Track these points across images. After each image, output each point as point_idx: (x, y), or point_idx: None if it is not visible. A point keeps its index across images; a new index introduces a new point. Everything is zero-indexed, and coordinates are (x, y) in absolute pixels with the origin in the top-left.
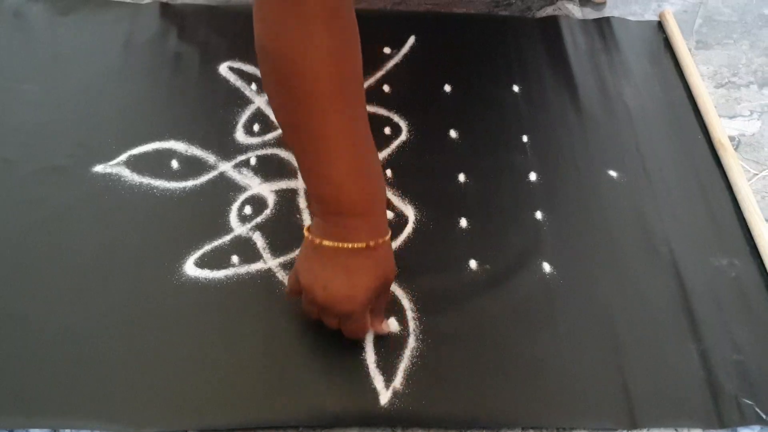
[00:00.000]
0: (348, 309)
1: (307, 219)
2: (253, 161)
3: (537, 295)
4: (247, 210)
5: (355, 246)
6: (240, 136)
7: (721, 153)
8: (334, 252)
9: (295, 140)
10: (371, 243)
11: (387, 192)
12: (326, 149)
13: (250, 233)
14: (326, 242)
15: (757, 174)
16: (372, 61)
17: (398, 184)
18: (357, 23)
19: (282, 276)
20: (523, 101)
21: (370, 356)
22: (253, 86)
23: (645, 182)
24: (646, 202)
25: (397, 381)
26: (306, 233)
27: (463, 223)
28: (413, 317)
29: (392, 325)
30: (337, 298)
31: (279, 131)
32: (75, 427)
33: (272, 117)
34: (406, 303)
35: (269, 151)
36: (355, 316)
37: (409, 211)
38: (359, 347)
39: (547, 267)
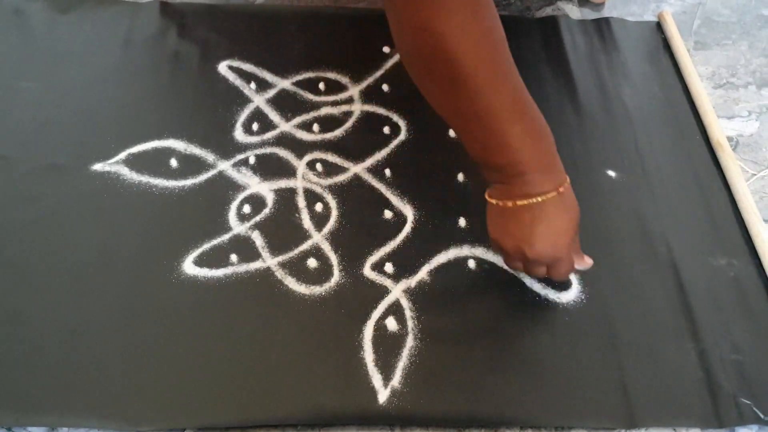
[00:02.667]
0: (555, 255)
1: (305, 218)
2: (252, 160)
3: (536, 294)
4: (246, 209)
5: (547, 197)
6: (239, 135)
7: (719, 153)
8: (527, 208)
9: (457, 121)
10: (560, 189)
11: (386, 191)
12: (497, 124)
13: (249, 232)
14: (519, 202)
15: (755, 174)
16: (372, 60)
17: (397, 184)
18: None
19: (281, 275)
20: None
21: (368, 355)
22: (252, 85)
23: (643, 182)
24: (645, 202)
25: (396, 380)
26: (490, 200)
27: (462, 222)
28: (412, 316)
29: (587, 260)
30: (545, 250)
31: (278, 130)
32: (73, 425)
33: (271, 116)
34: (404, 302)
35: (268, 150)
36: (564, 259)
37: (408, 211)
38: (358, 345)
39: None
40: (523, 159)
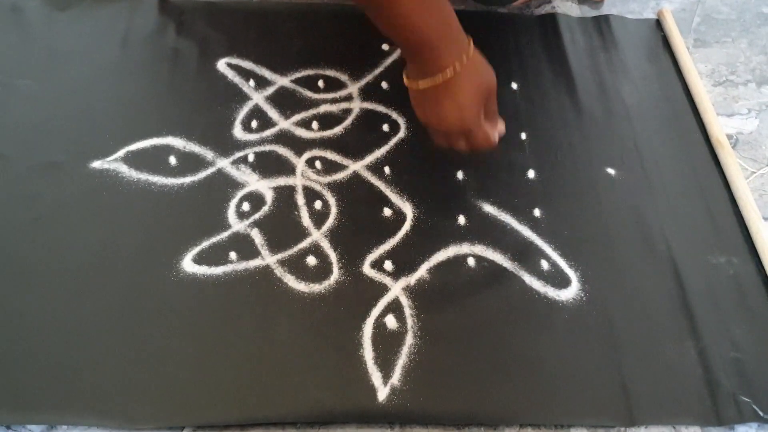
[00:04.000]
0: (463, 126)
1: (305, 216)
2: (251, 158)
3: (535, 292)
4: (245, 206)
5: (446, 74)
6: (238, 132)
7: (718, 151)
8: (433, 89)
9: (369, 4)
10: (457, 66)
11: (385, 189)
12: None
13: (248, 230)
14: (422, 83)
15: (754, 172)
16: (370, 57)
17: (397, 181)
18: None
19: (280, 272)
20: (521, 99)
21: (368, 353)
22: (251, 82)
23: (643, 180)
24: (644, 199)
25: (395, 378)
26: (406, 81)
27: (462, 220)
28: (411, 314)
29: (501, 127)
30: (451, 122)
31: (277, 128)
32: (72, 423)
33: (270, 113)
34: (404, 300)
35: (267, 147)
36: (473, 130)
37: (408, 209)
38: (357, 343)
39: (545, 264)
40: (419, 32)
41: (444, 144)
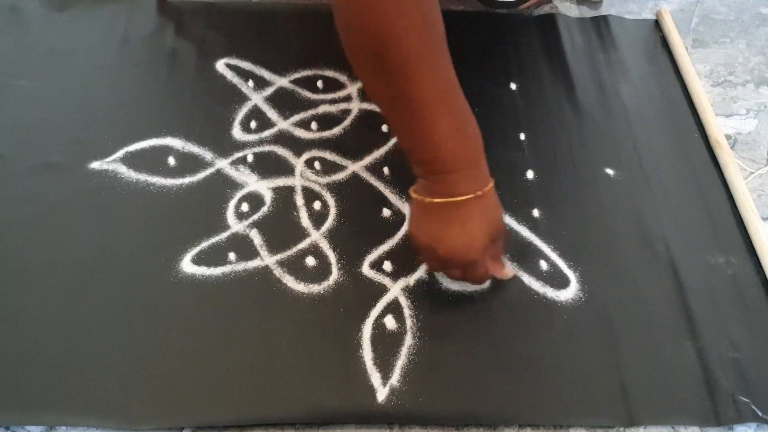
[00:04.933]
0: (467, 258)
1: (304, 216)
2: (250, 158)
3: (534, 292)
4: (244, 207)
5: (463, 198)
6: (237, 133)
7: (717, 151)
8: (444, 207)
9: (391, 110)
10: (478, 193)
11: (385, 189)
12: (424, 113)
13: (247, 230)
14: (436, 199)
15: (753, 172)
16: None
17: (395, 182)
18: None
19: (279, 273)
20: (520, 99)
21: (367, 353)
22: (250, 83)
23: (642, 180)
24: (643, 200)
25: (395, 378)
26: (413, 194)
27: None
28: (410, 315)
29: (509, 269)
30: (456, 249)
31: (276, 128)
32: (71, 424)
33: (269, 114)
34: (403, 300)
35: (266, 148)
36: (477, 263)
37: (407, 209)
38: (356, 344)
39: (543, 264)
40: (446, 156)
41: (435, 269)
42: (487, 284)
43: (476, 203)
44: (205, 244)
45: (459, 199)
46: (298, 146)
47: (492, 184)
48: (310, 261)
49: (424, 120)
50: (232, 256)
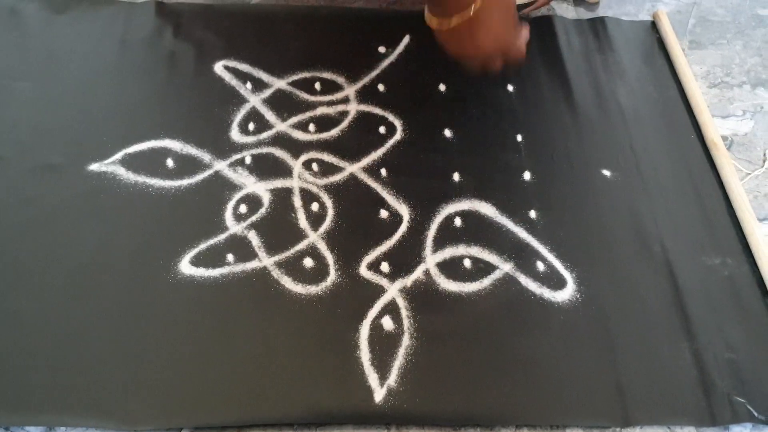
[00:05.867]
0: (503, 47)
1: (301, 218)
2: (248, 160)
3: (531, 293)
4: (242, 209)
5: (476, 4)
6: (235, 135)
7: (713, 152)
8: (466, 22)
9: None
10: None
11: (382, 191)
12: None
13: (245, 232)
14: (454, 20)
15: (749, 173)
16: (367, 60)
17: (393, 183)
18: None
19: (277, 274)
20: (517, 100)
21: (364, 354)
22: (248, 85)
23: (638, 181)
24: (640, 201)
25: (392, 379)
26: (433, 23)
27: (458, 221)
28: (408, 315)
29: (525, 32)
30: (489, 46)
31: (274, 130)
32: (70, 424)
33: (267, 116)
34: (400, 301)
35: (264, 150)
36: (510, 48)
37: (404, 210)
38: (354, 344)
39: (540, 265)
40: None
41: (478, 69)
42: (486, 282)
43: (488, 4)
44: (203, 246)
45: (474, 10)
46: (296, 148)
47: None
48: (308, 262)
49: None
50: (230, 257)
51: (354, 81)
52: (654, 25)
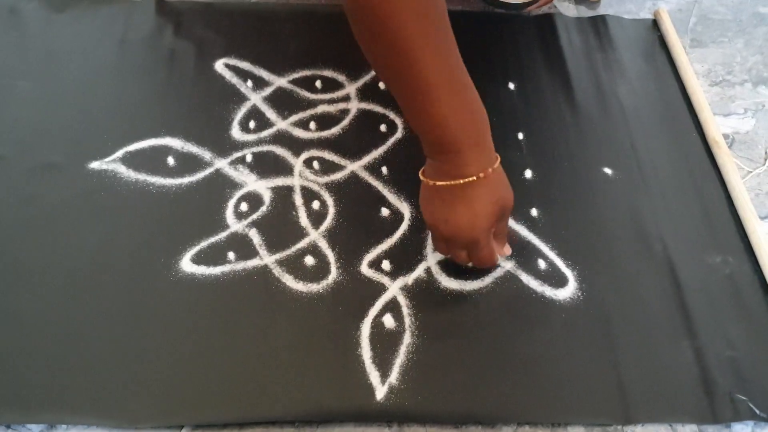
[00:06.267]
0: (472, 236)
1: (303, 216)
2: (249, 158)
3: (532, 291)
4: (243, 207)
5: (468, 180)
6: (236, 133)
7: (715, 151)
8: (450, 189)
9: (396, 88)
10: (481, 174)
11: (383, 189)
12: (427, 91)
13: (246, 230)
14: (440, 182)
15: (751, 172)
16: None
17: (394, 182)
18: None
19: (278, 272)
20: (518, 99)
21: (366, 352)
22: (249, 83)
23: (639, 180)
24: (641, 199)
25: (393, 376)
26: (421, 177)
27: None
28: (409, 313)
29: (506, 250)
30: (460, 228)
31: (274, 128)
32: (71, 422)
33: (267, 114)
34: (402, 299)
35: (265, 148)
36: (481, 243)
37: (405, 208)
38: (355, 342)
39: (542, 263)
40: (450, 136)
41: (442, 251)
42: (488, 280)
43: (482, 183)
44: (204, 244)
45: (462, 181)
46: (296, 146)
47: (498, 162)
48: (309, 260)
49: (429, 99)
50: (231, 255)
51: (355, 79)
52: (655, 24)
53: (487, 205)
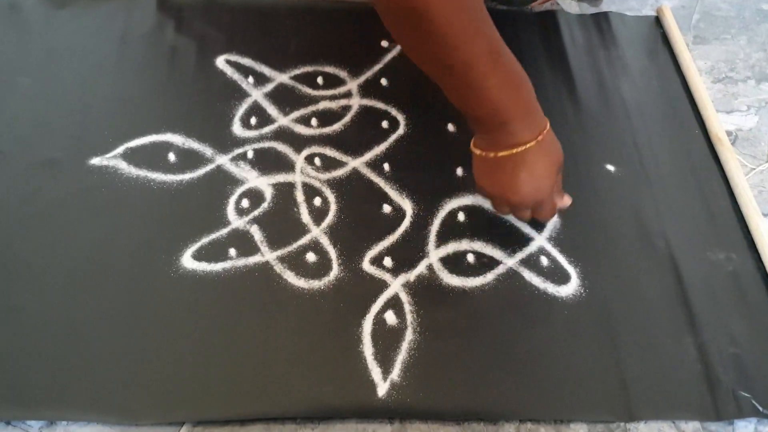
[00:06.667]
0: (539, 199)
1: (304, 212)
2: (250, 154)
3: (535, 288)
4: (245, 203)
5: (527, 146)
6: (237, 129)
7: (718, 148)
8: (510, 158)
9: (441, 76)
10: (539, 138)
11: (385, 185)
12: (474, 75)
13: (248, 226)
14: (501, 153)
15: (754, 168)
16: (370, 54)
17: (396, 178)
18: None
19: (280, 269)
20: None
21: (367, 348)
22: (250, 79)
23: (642, 177)
24: (644, 196)
25: (395, 373)
26: (476, 151)
27: (461, 216)
28: (411, 310)
29: (566, 200)
30: (528, 195)
31: (276, 124)
32: (71, 419)
33: (269, 110)
34: (403, 296)
35: (266, 144)
36: (546, 202)
37: (407, 205)
38: (357, 339)
39: (544, 260)
40: (500, 109)
41: (504, 212)
42: (490, 277)
43: (537, 148)
44: (205, 240)
45: (522, 148)
46: (298, 142)
47: (548, 125)
48: (311, 257)
49: (475, 82)
50: (232, 251)
51: (356, 75)
52: (658, 21)
53: (547, 166)
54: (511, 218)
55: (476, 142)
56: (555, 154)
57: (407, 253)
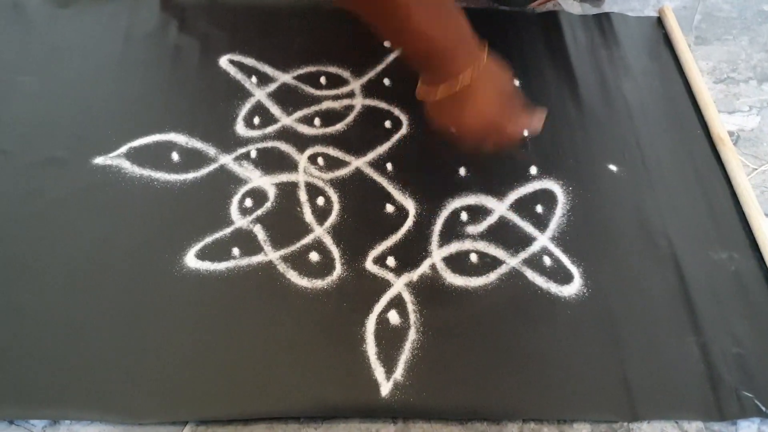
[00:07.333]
0: (489, 126)
1: (307, 212)
2: (253, 154)
3: (537, 288)
4: (248, 203)
5: (464, 81)
6: (240, 128)
7: (720, 148)
8: (451, 96)
9: (375, 18)
10: (471, 70)
11: (388, 185)
12: (398, 10)
13: (251, 226)
14: (439, 92)
15: (756, 169)
16: (372, 54)
17: (399, 178)
18: None
19: (283, 268)
20: (523, 95)
21: (371, 348)
22: (254, 79)
23: (644, 177)
24: (646, 196)
25: (398, 372)
26: (420, 95)
27: (464, 216)
28: (414, 310)
29: (535, 122)
30: (474, 125)
31: (279, 124)
32: (74, 417)
33: (272, 110)
34: (406, 295)
35: (270, 144)
36: (498, 128)
37: (410, 205)
38: (360, 338)
39: (547, 260)
40: (435, 38)
41: (470, 148)
42: (493, 276)
43: (479, 80)
44: (209, 239)
45: (461, 85)
46: (301, 142)
47: (486, 51)
48: (314, 256)
49: (402, 17)
50: (235, 251)
51: (359, 75)
52: (660, 21)
53: (490, 98)
54: (513, 217)
55: (419, 92)
56: (499, 80)
57: (410, 253)
